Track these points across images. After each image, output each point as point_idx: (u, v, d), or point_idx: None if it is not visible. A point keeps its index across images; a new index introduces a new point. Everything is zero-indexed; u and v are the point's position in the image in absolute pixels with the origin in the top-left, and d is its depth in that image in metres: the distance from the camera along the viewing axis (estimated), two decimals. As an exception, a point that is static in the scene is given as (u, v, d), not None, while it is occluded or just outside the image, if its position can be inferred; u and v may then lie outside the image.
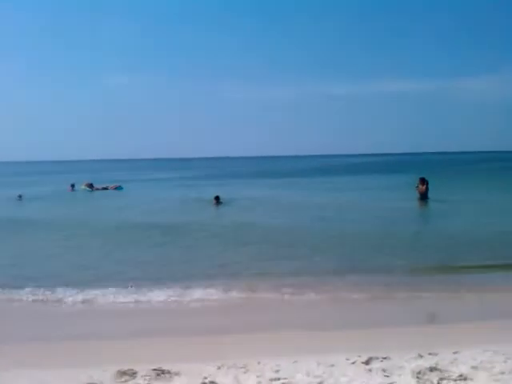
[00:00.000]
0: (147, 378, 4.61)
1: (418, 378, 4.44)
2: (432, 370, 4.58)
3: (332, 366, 4.79)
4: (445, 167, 60.44)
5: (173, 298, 8.11)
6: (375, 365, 4.79)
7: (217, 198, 22.58)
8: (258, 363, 4.95)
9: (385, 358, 4.92)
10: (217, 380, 4.54)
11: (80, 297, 8.21)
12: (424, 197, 21.16)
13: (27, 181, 47.36)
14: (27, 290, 8.45)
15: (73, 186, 33.48)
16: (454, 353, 5.01)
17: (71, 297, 8.22)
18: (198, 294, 8.19)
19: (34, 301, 8.18)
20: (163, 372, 4.72)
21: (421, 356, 4.97)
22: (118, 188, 34.06)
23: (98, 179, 38.15)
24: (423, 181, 21.56)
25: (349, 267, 9.84)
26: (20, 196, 27.23)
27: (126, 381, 4.60)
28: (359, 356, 4.97)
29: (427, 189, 21.32)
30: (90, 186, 33.74)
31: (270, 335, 6.31)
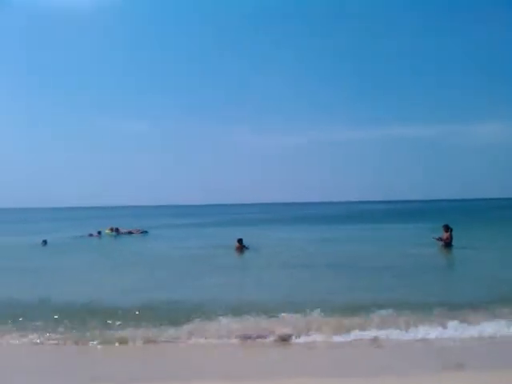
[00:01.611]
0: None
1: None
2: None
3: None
4: (458, 214, 60.31)
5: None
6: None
7: (240, 241, 21.90)
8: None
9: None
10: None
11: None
12: (448, 245, 21.01)
13: (48, 227, 48.00)
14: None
15: (99, 232, 33.45)
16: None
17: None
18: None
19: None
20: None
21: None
22: (143, 232, 34.88)
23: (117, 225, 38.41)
24: (447, 228, 21.41)
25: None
26: (45, 241, 27.43)
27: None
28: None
29: (451, 236, 21.19)
30: (116, 230, 34.55)
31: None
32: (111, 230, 34.75)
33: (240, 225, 46.22)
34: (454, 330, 8.74)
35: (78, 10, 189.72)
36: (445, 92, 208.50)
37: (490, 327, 8.82)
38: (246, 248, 22.03)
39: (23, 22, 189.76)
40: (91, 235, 32.95)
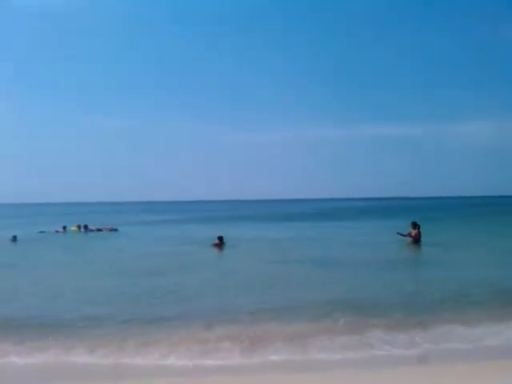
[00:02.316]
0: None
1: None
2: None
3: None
4: (435, 211, 60.81)
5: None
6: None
7: (220, 238, 21.73)
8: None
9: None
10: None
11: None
12: (417, 241, 21.20)
13: (20, 223, 47.36)
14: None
15: (64, 227, 33.48)
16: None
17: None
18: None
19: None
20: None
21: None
22: (113, 230, 34.12)
23: (89, 221, 37.61)
24: (415, 225, 21.62)
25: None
26: (14, 237, 27.14)
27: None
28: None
29: (419, 233, 21.40)
30: (85, 227, 33.94)
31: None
32: (78, 227, 34.17)
33: (213, 222, 45.75)
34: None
35: (65, 7, 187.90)
36: (432, 91, 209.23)
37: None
38: (225, 244, 21.77)
39: (8, 20, 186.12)
40: (57, 231, 32.74)
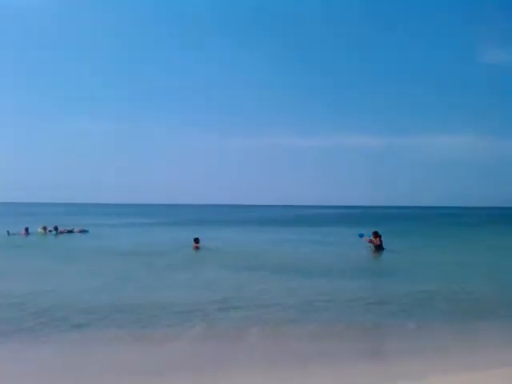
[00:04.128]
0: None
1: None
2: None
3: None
4: (404, 220, 62.58)
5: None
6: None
7: (196, 240, 22.79)
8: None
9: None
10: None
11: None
12: (379, 247, 22.51)
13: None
14: None
15: (27, 229, 31.82)
16: None
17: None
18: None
19: None
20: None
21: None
22: (83, 231, 34.05)
23: (59, 223, 36.61)
24: (376, 234, 23.05)
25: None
26: None
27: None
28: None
29: (381, 241, 22.79)
30: (55, 228, 33.24)
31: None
32: (44, 229, 32.79)
33: (183, 225, 46.17)
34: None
35: (42, 6, 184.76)
36: (404, 103, 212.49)
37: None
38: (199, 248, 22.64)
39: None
40: (20, 234, 31.15)
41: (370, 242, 22.87)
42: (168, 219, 62.09)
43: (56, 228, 33.33)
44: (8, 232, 31.02)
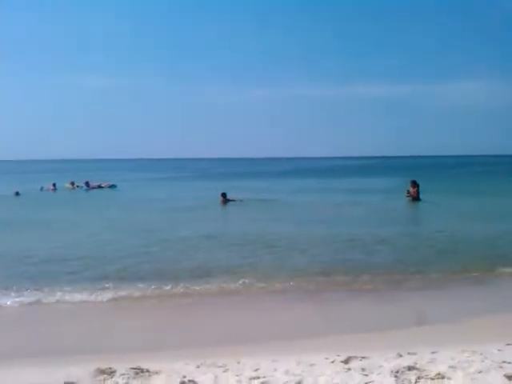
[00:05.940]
0: (126, 376, 4.59)
1: (396, 376, 4.46)
2: (410, 368, 4.60)
3: (311, 365, 4.80)
4: (428, 170, 60.85)
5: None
6: (354, 364, 4.81)
7: (223, 194, 22.30)
8: (238, 362, 4.95)
9: (364, 358, 4.94)
10: (196, 379, 4.52)
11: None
12: (416, 199, 21.64)
13: (22, 178, 47.53)
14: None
15: (54, 184, 32.39)
16: (433, 352, 5.04)
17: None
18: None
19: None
20: (142, 371, 4.71)
21: (400, 355, 5.00)
22: (112, 186, 34.09)
23: (84, 179, 36.13)
24: (414, 184, 22.05)
25: (335, 267, 9.82)
26: (17, 193, 28.12)
27: (104, 379, 4.59)
28: (338, 355, 4.98)
29: (418, 191, 21.82)
30: (86, 183, 33.46)
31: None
32: (72, 184, 33.56)
33: (210, 179, 45.70)
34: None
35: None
36: (420, 51, 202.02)
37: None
38: (230, 201, 22.22)
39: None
40: (48, 189, 31.83)
41: (408, 193, 21.90)
42: (194, 174, 61.88)
43: (87, 183, 33.52)
44: (42, 187, 32.05)
